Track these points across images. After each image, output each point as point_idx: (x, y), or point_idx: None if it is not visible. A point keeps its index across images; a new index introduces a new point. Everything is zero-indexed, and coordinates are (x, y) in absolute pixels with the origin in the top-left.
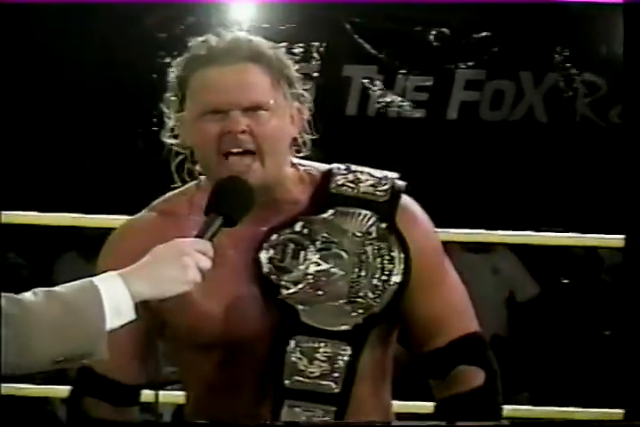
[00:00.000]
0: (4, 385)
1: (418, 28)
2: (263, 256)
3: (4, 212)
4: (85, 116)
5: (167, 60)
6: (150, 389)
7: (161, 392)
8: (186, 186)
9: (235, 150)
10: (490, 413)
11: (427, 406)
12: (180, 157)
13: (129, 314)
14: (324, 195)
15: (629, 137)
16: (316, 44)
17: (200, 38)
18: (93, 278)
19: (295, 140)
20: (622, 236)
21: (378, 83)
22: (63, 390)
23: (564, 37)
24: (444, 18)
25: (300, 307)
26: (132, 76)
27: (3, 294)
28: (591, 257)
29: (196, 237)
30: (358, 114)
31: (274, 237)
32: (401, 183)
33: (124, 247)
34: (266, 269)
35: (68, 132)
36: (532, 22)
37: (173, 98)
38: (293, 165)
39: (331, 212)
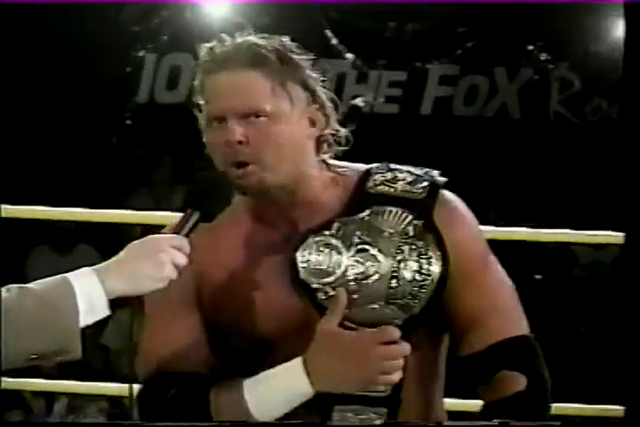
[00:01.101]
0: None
1: (392, 24)
2: (299, 259)
3: None
4: (60, 109)
5: (141, 53)
6: (124, 382)
7: (136, 386)
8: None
9: (234, 161)
10: (530, 418)
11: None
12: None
13: (103, 310)
14: (360, 195)
15: (621, 134)
16: (288, 37)
17: (208, 44)
18: (68, 275)
19: (320, 141)
20: (597, 232)
21: (351, 78)
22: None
23: (539, 33)
24: (418, 13)
25: (339, 311)
26: (106, 70)
27: None
28: (564, 253)
29: (173, 232)
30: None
31: (310, 239)
32: (441, 179)
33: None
34: (302, 272)
35: (42, 124)
36: (507, 18)
37: (201, 102)
38: (326, 166)
39: (367, 212)
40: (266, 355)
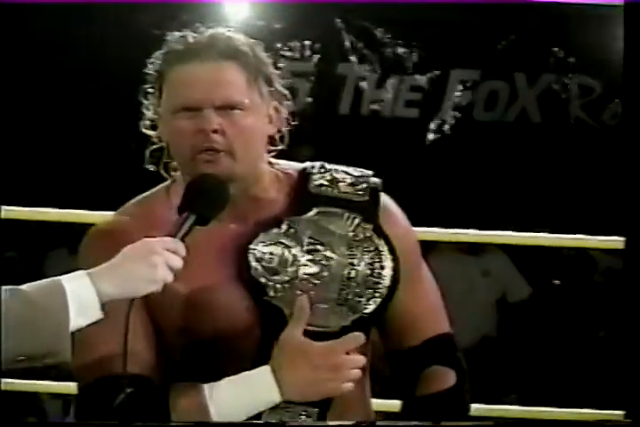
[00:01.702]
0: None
1: (412, 28)
2: (251, 257)
3: None
4: (80, 113)
5: None
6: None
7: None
8: (159, 186)
9: (207, 149)
10: (460, 412)
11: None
12: (155, 146)
13: (95, 313)
14: (303, 194)
15: (627, 138)
16: (310, 42)
17: (178, 33)
18: (61, 277)
19: (272, 138)
20: (616, 237)
21: (372, 82)
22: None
23: (559, 39)
24: (438, 18)
25: (287, 309)
26: (125, 74)
27: None
28: (583, 258)
29: (168, 235)
30: (351, 113)
31: (260, 237)
32: (377, 180)
33: (99, 255)
34: (253, 270)
35: (62, 128)
36: (527, 23)
37: (151, 90)
38: (270, 163)
39: (314, 211)
40: (208, 354)
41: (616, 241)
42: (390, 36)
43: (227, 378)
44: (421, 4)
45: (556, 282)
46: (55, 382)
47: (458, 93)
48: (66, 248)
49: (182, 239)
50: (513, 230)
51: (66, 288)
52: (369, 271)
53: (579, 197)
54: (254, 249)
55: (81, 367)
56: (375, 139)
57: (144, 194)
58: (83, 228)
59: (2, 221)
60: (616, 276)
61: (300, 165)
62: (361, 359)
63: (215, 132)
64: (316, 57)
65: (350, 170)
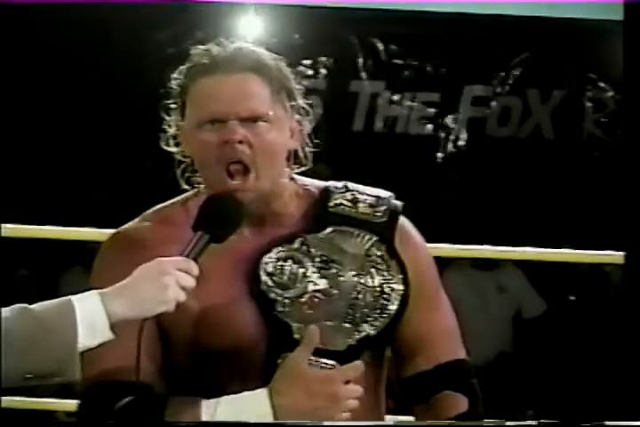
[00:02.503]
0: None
1: (425, 45)
2: (262, 271)
3: (9, 225)
4: (95, 131)
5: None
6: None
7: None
8: (181, 196)
9: (232, 161)
10: None
11: None
12: (183, 165)
13: (105, 333)
14: (321, 212)
15: (630, 150)
16: (324, 59)
17: (202, 47)
18: (72, 297)
19: (295, 153)
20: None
21: (385, 99)
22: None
23: (572, 55)
24: (451, 34)
25: (295, 324)
26: (140, 91)
27: None
28: (597, 274)
29: (181, 255)
30: (365, 129)
31: (273, 252)
32: (398, 203)
33: (118, 260)
34: (264, 284)
35: (78, 146)
36: (540, 40)
37: (174, 106)
38: (291, 179)
39: (330, 230)
40: (215, 366)
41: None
42: (403, 53)
43: (226, 396)
44: (434, 21)
45: (571, 298)
46: (57, 400)
47: (471, 109)
48: (81, 266)
49: (195, 259)
50: (527, 246)
51: (76, 308)
52: (378, 292)
53: (593, 214)
54: (266, 264)
55: (89, 376)
56: (389, 155)
57: (164, 203)
58: (97, 246)
59: (9, 239)
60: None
61: (323, 184)
62: (358, 390)
63: (240, 142)
64: (329, 74)
65: (373, 191)
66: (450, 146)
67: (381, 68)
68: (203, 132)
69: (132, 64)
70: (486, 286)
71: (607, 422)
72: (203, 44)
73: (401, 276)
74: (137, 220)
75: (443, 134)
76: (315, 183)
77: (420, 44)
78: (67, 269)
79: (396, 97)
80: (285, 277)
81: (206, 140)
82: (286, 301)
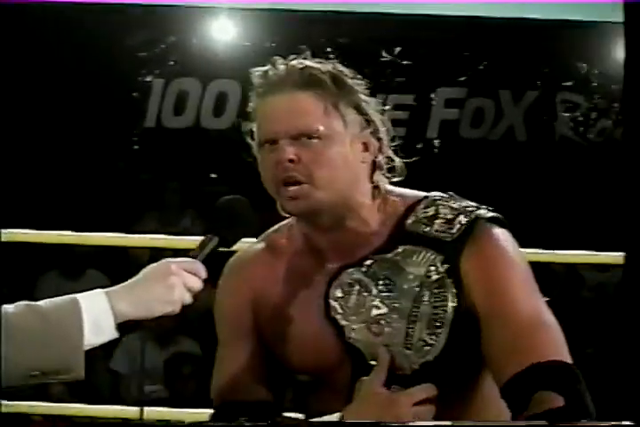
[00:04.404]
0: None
1: (398, 47)
2: (332, 296)
3: None
4: (66, 134)
5: (148, 78)
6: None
7: (146, 409)
8: (286, 221)
9: (286, 180)
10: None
11: None
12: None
13: (110, 332)
14: (398, 230)
15: (627, 148)
16: (345, 68)
17: (261, 68)
18: (78, 295)
19: (378, 166)
20: (607, 253)
21: None
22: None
23: (544, 56)
24: (424, 37)
25: (366, 350)
26: (114, 95)
27: None
28: (571, 275)
29: (190, 256)
30: None
31: (343, 275)
32: (483, 213)
33: (235, 284)
34: (333, 310)
35: (50, 149)
36: (512, 41)
37: (254, 129)
38: (379, 193)
39: (399, 250)
40: (310, 388)
41: (606, 257)
42: (375, 56)
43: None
44: (407, 23)
45: (545, 298)
46: (53, 404)
47: (444, 111)
48: (58, 270)
49: (203, 261)
50: None
51: (82, 306)
52: (432, 315)
53: (567, 214)
54: (336, 287)
55: (216, 389)
56: None
57: (283, 222)
58: (74, 249)
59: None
60: (605, 292)
61: (414, 197)
62: (426, 411)
63: (291, 161)
64: None
65: (461, 204)
66: (423, 148)
67: (354, 70)
68: (263, 154)
69: (104, 68)
70: None
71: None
72: (174, 50)
73: (455, 298)
74: (254, 242)
75: (415, 137)
76: (409, 196)
77: (393, 46)
78: (42, 274)
79: None
80: (352, 303)
81: (265, 161)
82: (354, 326)
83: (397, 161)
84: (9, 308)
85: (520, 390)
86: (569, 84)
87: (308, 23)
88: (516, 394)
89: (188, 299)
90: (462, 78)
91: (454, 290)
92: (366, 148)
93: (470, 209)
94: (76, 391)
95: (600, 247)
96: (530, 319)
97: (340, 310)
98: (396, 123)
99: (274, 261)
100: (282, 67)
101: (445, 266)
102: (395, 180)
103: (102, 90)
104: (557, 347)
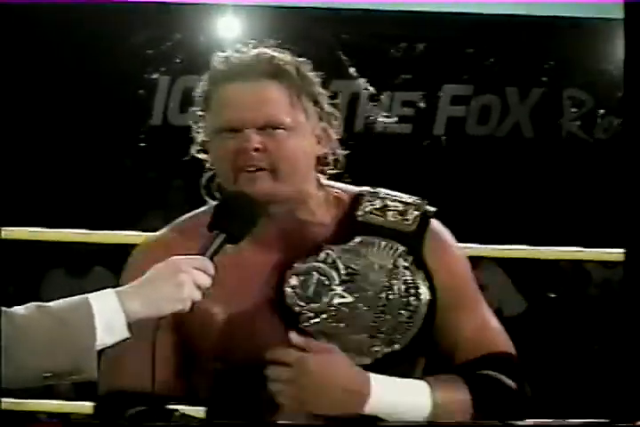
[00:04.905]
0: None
1: (404, 44)
2: (287, 285)
3: None
4: (73, 131)
5: (154, 76)
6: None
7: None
8: (207, 205)
9: (248, 169)
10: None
11: None
12: (210, 173)
13: (122, 332)
14: (350, 221)
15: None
16: (303, 59)
17: (222, 53)
18: (88, 295)
19: (323, 159)
20: (612, 250)
21: (364, 98)
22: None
23: (550, 53)
24: (430, 34)
25: (320, 338)
26: (119, 93)
27: None
28: (578, 271)
29: (198, 254)
30: (345, 129)
31: (298, 264)
32: (430, 209)
33: (143, 271)
34: (289, 298)
35: (56, 147)
36: (519, 38)
37: (200, 113)
38: (321, 185)
39: (357, 240)
40: (241, 380)
41: (612, 253)
42: (382, 52)
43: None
44: (414, 20)
45: (552, 295)
46: (54, 401)
47: (450, 108)
48: (64, 268)
49: (212, 258)
50: (506, 244)
51: (93, 306)
52: (404, 304)
53: (573, 210)
54: (291, 276)
55: (107, 381)
56: (368, 154)
57: (194, 211)
58: (79, 247)
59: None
60: (611, 288)
61: (356, 190)
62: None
63: (256, 150)
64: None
65: (404, 197)
66: (429, 145)
67: (360, 67)
68: (221, 140)
69: (109, 66)
70: None
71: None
72: (179, 47)
73: (427, 289)
74: (163, 229)
75: (422, 134)
76: (347, 189)
77: (399, 43)
78: (48, 271)
79: (375, 97)
80: (310, 291)
81: (224, 148)
82: (311, 314)
83: (340, 155)
84: (19, 309)
85: (469, 369)
86: (575, 80)
87: (314, 20)
88: (468, 371)
89: (197, 296)
90: (469, 75)
91: (426, 282)
92: (319, 140)
93: (416, 202)
94: (81, 389)
95: (606, 244)
96: (488, 315)
97: (296, 299)
98: (402, 119)
99: (192, 247)
100: (248, 54)
101: (410, 257)
102: (332, 172)
103: (108, 87)
104: (508, 341)
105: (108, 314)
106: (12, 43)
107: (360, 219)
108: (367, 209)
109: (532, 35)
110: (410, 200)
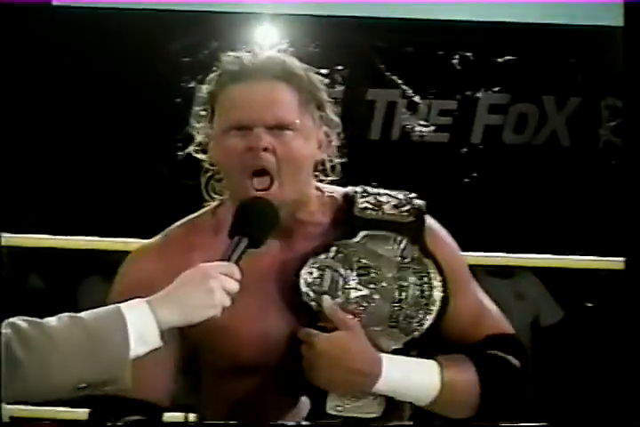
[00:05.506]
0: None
1: (441, 52)
2: (302, 283)
3: (27, 235)
4: (110, 139)
5: (191, 84)
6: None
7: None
8: (208, 207)
9: (255, 169)
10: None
11: None
12: (209, 174)
13: (154, 341)
14: (349, 218)
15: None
16: (340, 67)
17: (233, 54)
18: (121, 305)
19: (322, 164)
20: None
21: (401, 107)
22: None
23: (587, 61)
24: (467, 42)
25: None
26: (156, 101)
27: (25, 318)
28: (615, 280)
29: (222, 260)
30: (382, 138)
31: (310, 262)
32: (421, 202)
33: (138, 275)
34: (305, 296)
35: (93, 156)
36: (555, 46)
37: (203, 113)
38: (317, 188)
39: (362, 235)
40: (248, 381)
41: None
42: (419, 61)
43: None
44: (450, 29)
45: (589, 305)
46: (61, 409)
47: (487, 117)
48: (100, 275)
49: (237, 263)
50: (543, 253)
51: (126, 317)
52: (419, 293)
53: (610, 219)
54: (305, 274)
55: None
56: (406, 163)
57: (190, 216)
58: (116, 256)
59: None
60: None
61: (342, 189)
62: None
63: (265, 150)
64: (346, 83)
65: (393, 193)
66: (466, 154)
67: (398, 76)
68: (229, 139)
69: (146, 74)
70: (505, 294)
71: None
72: (217, 55)
73: (438, 275)
74: (161, 234)
75: (459, 142)
76: (337, 190)
77: (437, 52)
78: (85, 280)
79: (412, 105)
80: (325, 286)
81: (232, 147)
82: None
83: (336, 162)
84: (52, 320)
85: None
86: (613, 89)
87: (351, 28)
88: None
89: (227, 302)
90: (506, 84)
91: (435, 267)
92: (320, 145)
93: (406, 196)
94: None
95: None
96: (484, 298)
97: (312, 297)
98: (440, 128)
99: (199, 250)
100: (261, 56)
101: (416, 246)
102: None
103: (146, 95)
104: (506, 321)
105: (140, 324)
106: (48, 49)
107: (358, 215)
108: (363, 206)
109: (569, 43)
110: (400, 195)
